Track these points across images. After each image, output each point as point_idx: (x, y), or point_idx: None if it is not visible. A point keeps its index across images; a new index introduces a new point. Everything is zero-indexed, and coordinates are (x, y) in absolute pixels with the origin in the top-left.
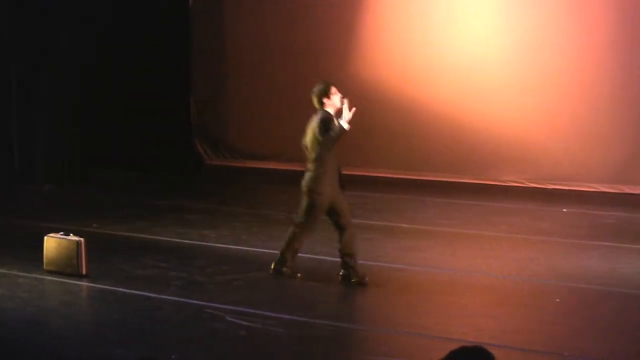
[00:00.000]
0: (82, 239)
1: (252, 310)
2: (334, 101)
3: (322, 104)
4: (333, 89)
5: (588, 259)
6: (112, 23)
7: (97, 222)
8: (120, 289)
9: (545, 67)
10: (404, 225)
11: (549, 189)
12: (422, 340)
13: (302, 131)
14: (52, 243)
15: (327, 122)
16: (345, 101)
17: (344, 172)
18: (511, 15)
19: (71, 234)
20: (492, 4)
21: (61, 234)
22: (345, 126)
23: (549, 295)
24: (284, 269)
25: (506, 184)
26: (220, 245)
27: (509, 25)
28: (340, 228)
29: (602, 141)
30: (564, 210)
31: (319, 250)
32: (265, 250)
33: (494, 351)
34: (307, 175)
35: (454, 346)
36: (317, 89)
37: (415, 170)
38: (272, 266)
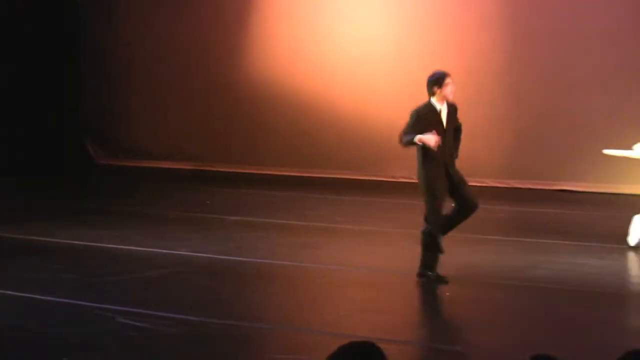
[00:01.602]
0: None
1: (143, 311)
2: (445, 92)
3: (432, 93)
4: (448, 79)
5: (478, 252)
6: None
7: None
8: (10, 292)
9: (437, 64)
10: (296, 222)
11: None
12: (315, 337)
13: (196, 130)
14: None
15: (411, 117)
16: (434, 137)
17: (233, 170)
18: (406, 11)
19: None
20: None
21: None
22: (416, 139)
23: (439, 289)
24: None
25: (399, 180)
26: (112, 245)
27: (403, 21)
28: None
29: (489, 137)
30: (453, 205)
31: (212, 249)
32: (157, 250)
33: (386, 346)
34: None
35: (347, 342)
36: (431, 76)
37: (306, 167)
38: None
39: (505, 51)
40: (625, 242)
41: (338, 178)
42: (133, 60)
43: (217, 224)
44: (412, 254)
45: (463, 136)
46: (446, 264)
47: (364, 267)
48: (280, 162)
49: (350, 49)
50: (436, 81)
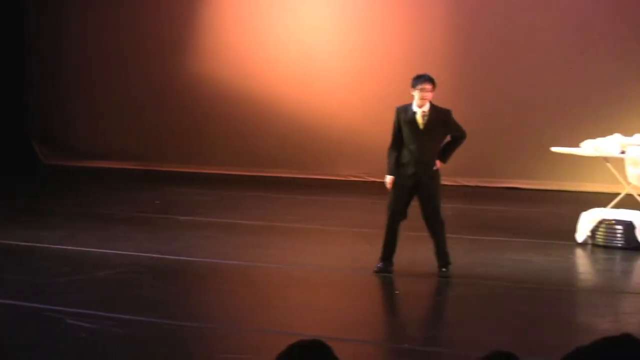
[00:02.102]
0: None
1: (92, 312)
2: (415, 96)
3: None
4: (419, 85)
5: (425, 250)
6: None
7: None
8: None
9: (386, 65)
10: (245, 222)
11: None
12: (265, 336)
13: (144, 130)
14: None
15: (395, 114)
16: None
17: (182, 170)
18: (350, 12)
19: None
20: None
21: None
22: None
23: (388, 287)
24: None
25: (346, 179)
26: (60, 246)
27: (349, 23)
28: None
29: None
30: None
31: (161, 249)
32: (104, 251)
33: (335, 344)
34: None
35: (296, 340)
36: (413, 78)
37: (255, 166)
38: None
39: (452, 50)
40: (573, 239)
41: (287, 177)
42: (81, 60)
43: (166, 223)
44: (361, 252)
45: None
46: (396, 261)
47: (313, 265)
48: (229, 161)
49: (298, 49)
50: (412, 84)
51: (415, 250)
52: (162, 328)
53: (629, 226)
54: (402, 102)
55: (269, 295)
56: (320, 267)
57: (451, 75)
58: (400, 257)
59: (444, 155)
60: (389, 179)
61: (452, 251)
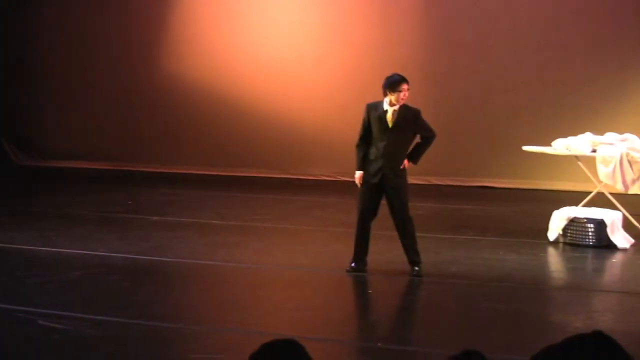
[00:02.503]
0: None
1: (65, 313)
2: (395, 97)
3: (384, 94)
4: (402, 86)
5: (398, 249)
6: None
7: None
8: None
9: (353, 65)
10: (216, 221)
11: None
12: (237, 336)
13: (116, 130)
14: None
15: (365, 111)
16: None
17: (154, 170)
18: (325, 13)
19: None
20: (301, 2)
21: None
22: (356, 175)
23: (360, 286)
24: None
25: (317, 178)
26: (30, 247)
27: (323, 23)
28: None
29: None
30: None
31: (132, 249)
32: (76, 251)
33: (308, 343)
34: None
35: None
36: (387, 78)
37: (225, 166)
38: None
39: (425, 51)
40: (545, 237)
41: (257, 177)
42: (50, 60)
43: (137, 224)
44: (334, 251)
45: None
46: (369, 260)
47: (286, 265)
48: (200, 161)
49: (271, 49)
50: (389, 85)
51: (389, 250)
52: (135, 328)
53: (600, 224)
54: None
55: (242, 294)
56: (293, 267)
57: (423, 74)
58: (373, 257)
59: (415, 155)
60: (358, 174)
61: (425, 250)
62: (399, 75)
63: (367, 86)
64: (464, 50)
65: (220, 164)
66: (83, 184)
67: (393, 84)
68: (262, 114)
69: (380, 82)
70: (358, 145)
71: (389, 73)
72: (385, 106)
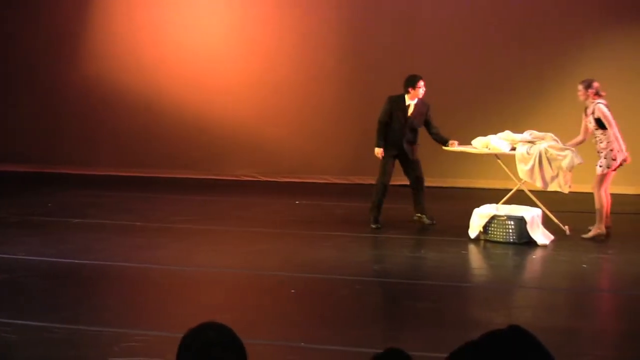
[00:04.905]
0: None
1: None
2: (417, 93)
3: (406, 91)
4: (420, 83)
5: (323, 248)
6: None
7: None
8: None
9: (277, 68)
10: (138, 223)
11: (282, 182)
12: (159, 338)
13: (36, 131)
14: None
15: (387, 102)
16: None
17: (75, 172)
18: (243, 13)
19: None
20: (222, 2)
21: None
22: (377, 150)
23: (284, 286)
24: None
25: (239, 179)
26: None
27: (241, 23)
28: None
29: (330, 136)
30: (297, 202)
31: (52, 252)
32: None
33: None
34: None
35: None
36: (408, 77)
37: (147, 167)
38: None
39: (345, 53)
40: (466, 235)
41: (179, 178)
42: None
43: (58, 226)
44: (257, 252)
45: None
46: (290, 260)
47: (209, 266)
48: (121, 163)
49: (191, 49)
50: (410, 83)
51: (313, 250)
52: (56, 332)
53: (520, 221)
54: (292, 103)
55: (165, 297)
56: (216, 268)
57: (342, 76)
58: (298, 256)
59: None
60: (380, 150)
61: (348, 249)
62: (416, 75)
63: (287, 87)
64: (385, 50)
65: (142, 165)
66: (3, 186)
67: (413, 82)
68: (183, 115)
69: (298, 80)
70: (381, 129)
71: (302, 73)
72: (408, 101)
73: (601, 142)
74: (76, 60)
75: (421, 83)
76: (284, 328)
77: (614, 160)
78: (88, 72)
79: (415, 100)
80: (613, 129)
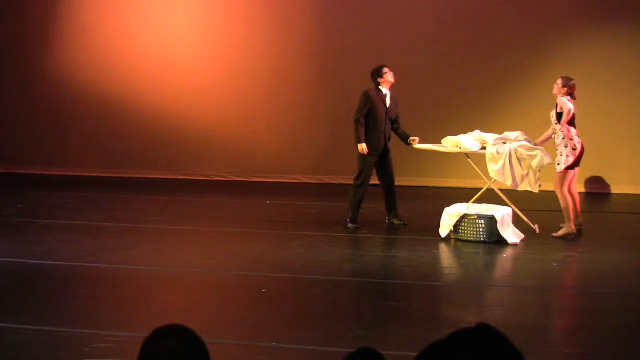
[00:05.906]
0: None
1: None
2: (387, 78)
3: (377, 83)
4: (385, 69)
5: (293, 248)
6: None
7: None
8: None
9: (246, 69)
10: (108, 223)
11: (252, 182)
12: (130, 339)
13: (6, 131)
14: None
15: (363, 97)
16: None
17: (45, 172)
18: (215, 12)
19: None
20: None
21: None
22: (359, 147)
23: (255, 286)
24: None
25: (209, 179)
26: None
27: (213, 22)
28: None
29: (301, 136)
30: (268, 202)
31: (21, 253)
32: None
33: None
34: None
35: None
36: (373, 70)
37: (118, 168)
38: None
39: (314, 55)
40: (436, 234)
41: (149, 178)
42: None
43: (27, 227)
44: (229, 252)
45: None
46: (261, 260)
47: (181, 267)
48: (92, 163)
49: (160, 48)
50: (377, 74)
51: (285, 250)
52: (26, 333)
53: (490, 220)
54: (262, 103)
55: (136, 297)
56: (187, 268)
57: (312, 77)
58: (268, 256)
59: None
60: (364, 146)
61: (318, 248)
62: (379, 65)
63: (258, 86)
64: (349, 51)
65: (112, 165)
66: None
67: (378, 71)
68: (153, 115)
69: (268, 80)
70: (360, 123)
71: (272, 73)
72: (384, 90)
73: (558, 138)
74: (47, 61)
75: (386, 69)
76: (255, 328)
77: (572, 156)
78: (58, 72)
79: (389, 92)
80: (565, 124)
